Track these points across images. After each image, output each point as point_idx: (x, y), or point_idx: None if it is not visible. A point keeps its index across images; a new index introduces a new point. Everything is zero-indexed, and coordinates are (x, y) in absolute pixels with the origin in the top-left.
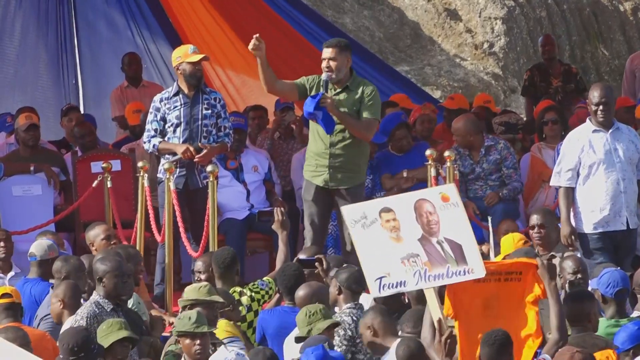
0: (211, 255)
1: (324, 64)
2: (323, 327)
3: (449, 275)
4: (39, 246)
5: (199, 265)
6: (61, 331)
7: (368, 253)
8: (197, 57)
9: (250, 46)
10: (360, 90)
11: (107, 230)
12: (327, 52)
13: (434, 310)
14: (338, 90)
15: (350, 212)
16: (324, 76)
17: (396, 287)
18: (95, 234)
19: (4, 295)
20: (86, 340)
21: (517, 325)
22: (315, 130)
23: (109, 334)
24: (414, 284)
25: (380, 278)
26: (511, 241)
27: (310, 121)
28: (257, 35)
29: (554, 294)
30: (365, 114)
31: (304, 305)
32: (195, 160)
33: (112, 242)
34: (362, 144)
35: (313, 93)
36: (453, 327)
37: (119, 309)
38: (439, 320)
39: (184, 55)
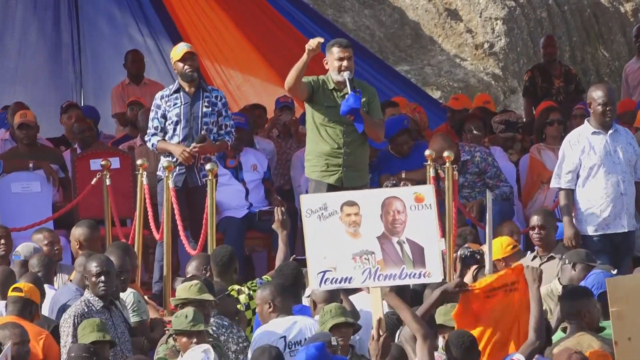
0: (199, 257)
1: (344, 63)
2: (329, 325)
3: (402, 276)
4: (25, 247)
5: (189, 269)
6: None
7: (317, 245)
8: (181, 53)
9: (309, 45)
10: (366, 93)
11: (50, 236)
12: (346, 52)
13: (375, 310)
14: (346, 91)
15: (308, 201)
16: (346, 74)
17: (340, 282)
18: (37, 239)
19: (15, 289)
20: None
21: (518, 328)
22: (322, 130)
23: (82, 336)
24: (360, 281)
25: (324, 272)
26: (499, 246)
27: (313, 122)
28: (321, 39)
29: (535, 297)
30: (375, 116)
31: (322, 303)
32: (194, 150)
33: (55, 249)
34: (366, 144)
35: (320, 93)
36: (389, 330)
37: (112, 306)
38: (379, 320)
39: (174, 55)
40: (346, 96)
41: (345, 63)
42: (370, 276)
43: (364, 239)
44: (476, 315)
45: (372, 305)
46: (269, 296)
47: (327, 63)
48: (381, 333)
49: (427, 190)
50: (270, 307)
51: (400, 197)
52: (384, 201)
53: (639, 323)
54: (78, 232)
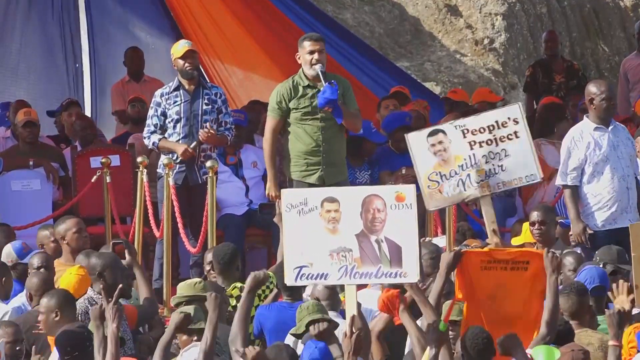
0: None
1: (315, 56)
2: (306, 321)
3: (378, 275)
4: (6, 248)
5: (209, 257)
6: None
7: (295, 240)
8: (182, 50)
9: None
10: (340, 85)
11: (78, 223)
12: (316, 45)
13: (349, 306)
14: (320, 84)
15: (289, 195)
16: (318, 67)
17: (316, 278)
18: (66, 228)
19: None
20: (81, 339)
21: (523, 314)
22: (300, 129)
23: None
24: (336, 278)
25: (300, 267)
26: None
27: (289, 123)
28: None
29: (552, 287)
30: (351, 107)
31: (324, 301)
32: (202, 138)
33: (84, 236)
34: (344, 138)
35: (293, 97)
36: (361, 328)
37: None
38: (353, 317)
39: (175, 51)
40: (321, 89)
41: (316, 56)
42: (347, 274)
43: (342, 236)
44: (472, 285)
45: (347, 303)
46: (54, 306)
47: (299, 58)
48: (354, 330)
49: (409, 190)
50: (56, 316)
51: (381, 195)
52: (364, 199)
53: None
54: (72, 225)
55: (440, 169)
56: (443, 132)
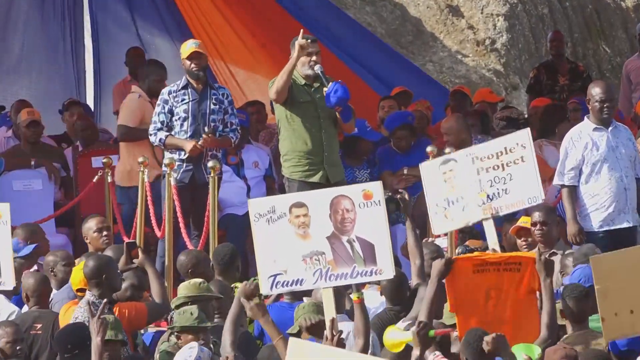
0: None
1: (313, 57)
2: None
3: (353, 275)
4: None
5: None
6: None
7: (267, 249)
8: (189, 51)
9: (300, 42)
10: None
11: (101, 222)
12: (314, 47)
13: (328, 310)
14: (317, 85)
15: (257, 205)
16: (318, 68)
17: (291, 285)
18: (88, 227)
19: None
20: (81, 337)
21: (514, 314)
22: (300, 128)
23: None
24: (311, 282)
25: (275, 275)
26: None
27: (288, 121)
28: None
29: (547, 290)
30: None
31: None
32: (200, 144)
33: (104, 235)
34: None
35: (294, 91)
36: (342, 331)
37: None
38: (332, 320)
39: (182, 51)
40: (325, 89)
41: (314, 57)
42: (322, 277)
43: (313, 240)
44: (465, 289)
45: (325, 306)
46: None
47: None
48: (334, 333)
49: (376, 187)
50: None
51: (348, 195)
52: (332, 200)
53: (624, 298)
54: (94, 224)
55: (448, 195)
56: (455, 160)
